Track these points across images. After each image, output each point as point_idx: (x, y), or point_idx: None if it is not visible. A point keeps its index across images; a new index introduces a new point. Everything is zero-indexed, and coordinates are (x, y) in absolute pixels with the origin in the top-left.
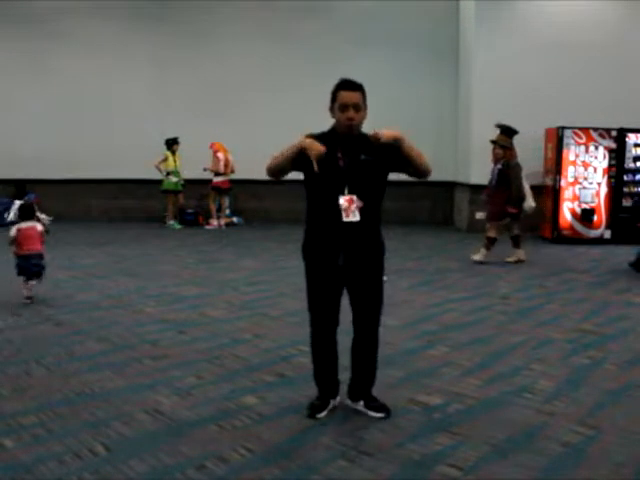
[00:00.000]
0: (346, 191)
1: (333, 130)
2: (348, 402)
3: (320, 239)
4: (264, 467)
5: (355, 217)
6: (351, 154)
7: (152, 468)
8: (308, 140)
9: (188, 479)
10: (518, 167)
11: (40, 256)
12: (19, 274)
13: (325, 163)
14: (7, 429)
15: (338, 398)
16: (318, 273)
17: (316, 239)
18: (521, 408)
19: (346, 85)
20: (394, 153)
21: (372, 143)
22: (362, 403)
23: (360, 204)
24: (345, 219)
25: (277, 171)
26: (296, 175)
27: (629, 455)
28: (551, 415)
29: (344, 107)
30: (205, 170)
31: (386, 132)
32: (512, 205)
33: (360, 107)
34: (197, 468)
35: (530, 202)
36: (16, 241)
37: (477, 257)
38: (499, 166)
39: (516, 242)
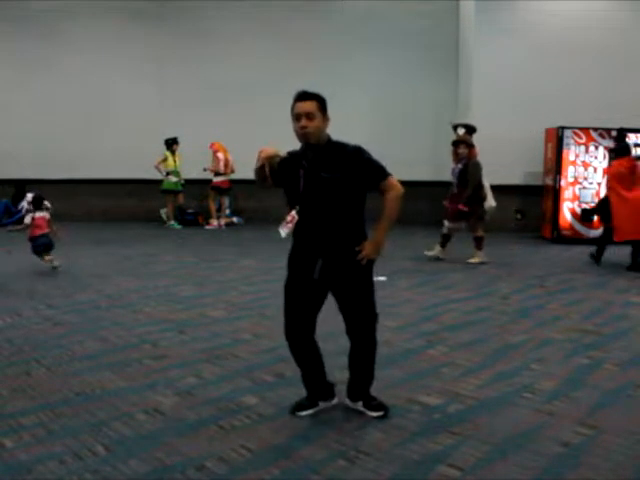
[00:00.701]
0: (296, 209)
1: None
2: (348, 402)
3: (298, 250)
4: (264, 467)
5: (283, 234)
6: (313, 169)
7: (152, 468)
8: (262, 150)
9: (188, 479)
10: (478, 166)
11: (47, 235)
12: (35, 252)
13: (289, 178)
14: (7, 429)
15: (335, 400)
16: (293, 283)
17: (295, 250)
18: (521, 408)
19: (299, 96)
20: (363, 173)
21: (341, 154)
22: (361, 403)
23: (291, 227)
24: (280, 229)
25: (260, 183)
26: None
27: (629, 455)
28: (551, 415)
29: (297, 117)
30: (205, 170)
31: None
32: (464, 203)
33: (313, 115)
34: (197, 468)
35: (491, 202)
36: (30, 227)
37: (474, 260)
38: (460, 166)
39: (479, 243)
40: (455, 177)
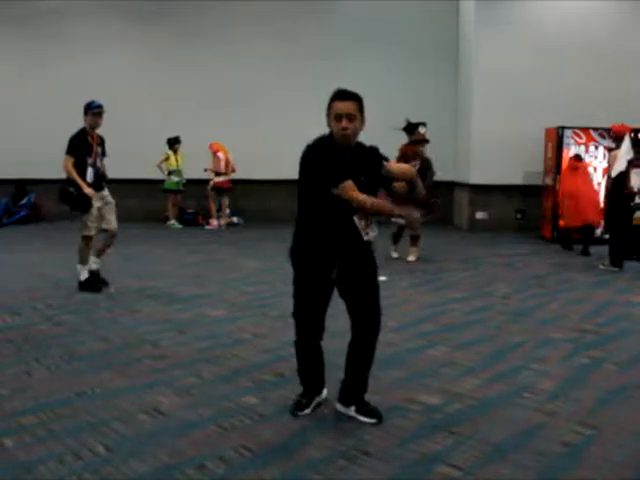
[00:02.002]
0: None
1: (332, 141)
2: (339, 406)
3: (316, 250)
4: (264, 467)
5: (375, 232)
6: (355, 172)
7: (152, 468)
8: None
9: (188, 479)
10: (429, 160)
11: None
12: None
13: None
14: (7, 429)
15: (324, 392)
16: (310, 284)
17: (311, 249)
18: (521, 408)
19: (340, 95)
20: (384, 175)
21: (368, 157)
22: (354, 408)
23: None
24: (365, 238)
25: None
26: (294, 175)
27: (629, 455)
28: (551, 415)
29: (338, 117)
30: (206, 170)
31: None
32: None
33: (354, 117)
34: (197, 468)
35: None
36: None
37: (412, 257)
38: (417, 164)
39: (415, 241)
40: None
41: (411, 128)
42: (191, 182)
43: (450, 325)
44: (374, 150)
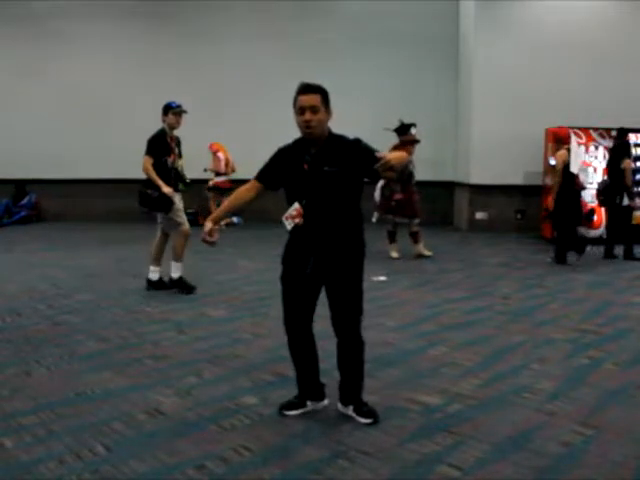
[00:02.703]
0: (302, 202)
1: (302, 138)
2: (339, 406)
3: (291, 246)
4: (264, 467)
5: (288, 226)
6: (317, 163)
7: (152, 468)
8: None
9: (188, 479)
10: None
11: None
12: None
13: (291, 174)
14: (7, 429)
15: (325, 402)
16: (288, 280)
17: (289, 246)
18: (521, 408)
19: (303, 89)
20: (363, 164)
21: (342, 147)
22: (352, 407)
23: (299, 220)
24: (284, 221)
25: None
26: None
27: (629, 455)
28: (551, 415)
29: (301, 110)
30: (206, 171)
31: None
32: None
33: (317, 109)
34: (197, 468)
35: None
36: None
37: (426, 252)
38: (412, 164)
39: (417, 237)
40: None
41: (404, 129)
42: (191, 182)
43: (450, 325)
44: (356, 142)
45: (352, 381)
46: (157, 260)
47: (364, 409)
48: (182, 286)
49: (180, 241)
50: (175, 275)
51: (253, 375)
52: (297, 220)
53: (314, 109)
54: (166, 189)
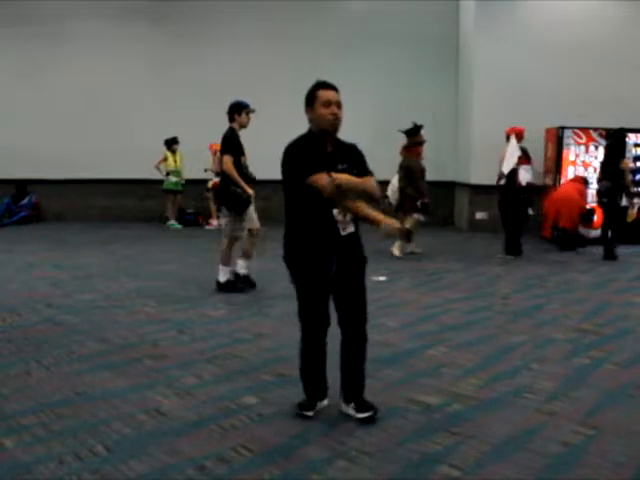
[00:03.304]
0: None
1: (312, 135)
2: (342, 405)
3: (313, 249)
4: (264, 467)
5: (351, 228)
6: (334, 161)
7: (152, 468)
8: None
9: (188, 479)
10: None
11: None
12: None
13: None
14: (7, 429)
15: (326, 401)
16: (312, 282)
17: (308, 249)
18: (521, 408)
19: (326, 85)
20: (360, 168)
21: (346, 148)
22: (353, 405)
23: (348, 218)
24: (343, 233)
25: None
26: None
27: (629, 455)
28: (551, 415)
29: (328, 103)
30: (206, 171)
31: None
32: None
33: (341, 105)
34: (197, 468)
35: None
36: None
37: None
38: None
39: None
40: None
41: (415, 131)
42: (191, 182)
43: (450, 325)
44: (354, 146)
45: (356, 378)
46: (247, 256)
47: (366, 405)
48: (231, 288)
49: (250, 240)
50: (222, 279)
51: (253, 375)
52: (342, 218)
53: (339, 104)
54: (250, 191)
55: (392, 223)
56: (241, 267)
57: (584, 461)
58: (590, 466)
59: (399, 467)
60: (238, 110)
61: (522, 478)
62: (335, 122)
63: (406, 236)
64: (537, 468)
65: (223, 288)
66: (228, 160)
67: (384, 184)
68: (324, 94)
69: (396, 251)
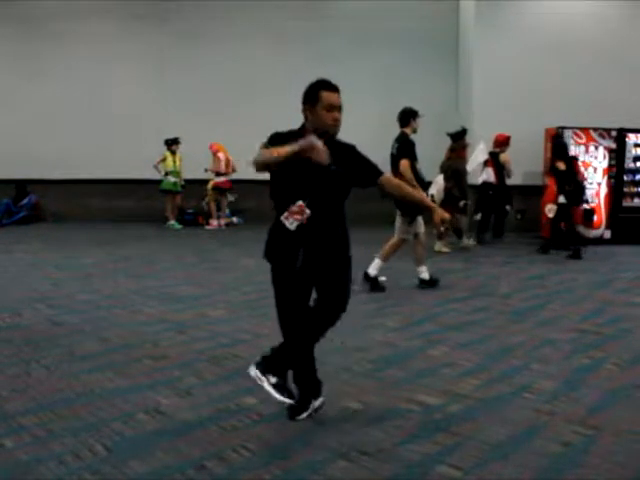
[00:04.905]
0: (306, 200)
1: (303, 130)
2: (252, 368)
3: (279, 242)
4: (264, 467)
5: (292, 226)
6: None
7: (152, 468)
8: (316, 148)
9: (188, 479)
10: None
11: None
12: None
13: (298, 167)
14: (7, 429)
15: (320, 399)
16: (281, 278)
17: (275, 243)
18: (521, 408)
19: (330, 86)
20: (361, 170)
21: (342, 149)
22: (275, 380)
23: (306, 216)
24: (290, 227)
25: (261, 170)
26: None
27: (629, 455)
28: (551, 415)
29: (331, 107)
30: (207, 171)
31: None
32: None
33: (342, 109)
34: (197, 468)
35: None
36: None
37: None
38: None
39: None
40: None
41: (462, 134)
42: (191, 182)
43: (450, 325)
44: (353, 148)
45: (286, 352)
46: (421, 261)
47: (282, 383)
48: (375, 285)
49: (420, 244)
50: (425, 276)
51: None
52: (297, 217)
53: (340, 109)
54: (424, 194)
55: (443, 212)
56: (374, 267)
57: (584, 461)
58: (590, 466)
59: (399, 467)
60: (413, 116)
61: (522, 478)
62: (335, 127)
63: (456, 232)
64: (537, 468)
65: (370, 282)
66: (406, 164)
67: None
68: (328, 97)
69: (444, 248)
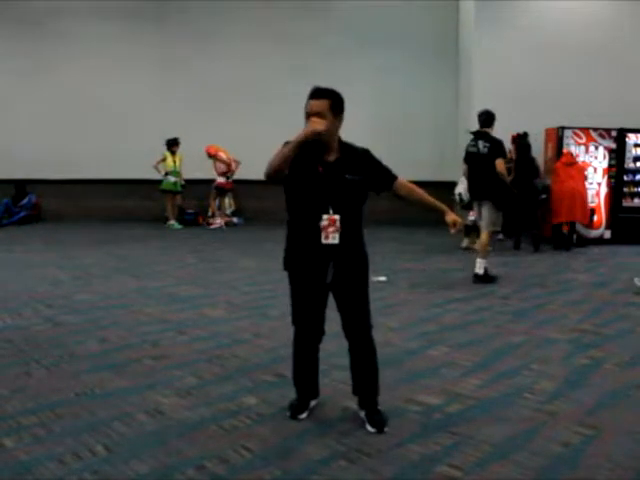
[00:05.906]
0: (330, 211)
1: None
2: (357, 408)
3: (305, 256)
4: (264, 467)
5: (334, 240)
6: (337, 170)
7: (152, 468)
8: (312, 125)
9: (188, 479)
10: None
11: None
12: None
13: (307, 171)
14: (7, 429)
15: (316, 400)
16: (305, 290)
17: (301, 255)
18: (521, 408)
19: (312, 93)
20: (376, 175)
21: (355, 156)
22: (364, 413)
23: (338, 227)
24: (324, 241)
25: (277, 172)
26: None
27: (629, 455)
28: (551, 415)
29: (306, 115)
30: (226, 174)
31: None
32: None
33: (323, 115)
34: (197, 468)
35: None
36: None
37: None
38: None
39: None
40: None
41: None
42: (191, 182)
43: (450, 325)
44: (366, 152)
45: (366, 387)
46: (486, 254)
47: (375, 417)
48: (490, 279)
49: (486, 239)
50: (480, 271)
51: (253, 375)
52: (332, 229)
53: (319, 115)
54: (514, 191)
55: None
56: (479, 267)
57: (584, 461)
58: (590, 466)
59: (399, 467)
60: (495, 118)
61: (522, 478)
62: (314, 134)
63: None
64: (537, 468)
65: (482, 280)
66: (501, 163)
67: None
68: (308, 105)
69: (475, 245)
